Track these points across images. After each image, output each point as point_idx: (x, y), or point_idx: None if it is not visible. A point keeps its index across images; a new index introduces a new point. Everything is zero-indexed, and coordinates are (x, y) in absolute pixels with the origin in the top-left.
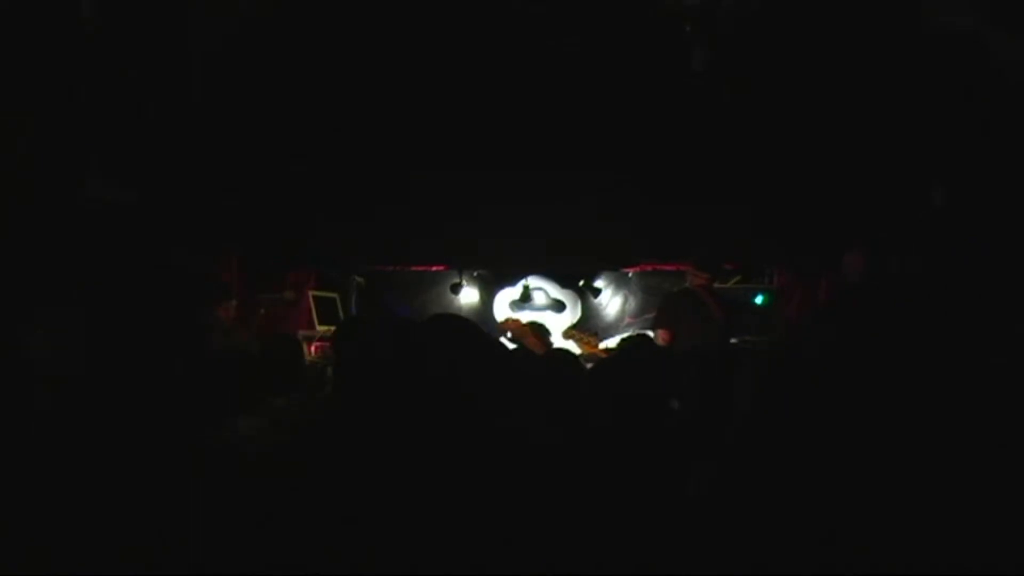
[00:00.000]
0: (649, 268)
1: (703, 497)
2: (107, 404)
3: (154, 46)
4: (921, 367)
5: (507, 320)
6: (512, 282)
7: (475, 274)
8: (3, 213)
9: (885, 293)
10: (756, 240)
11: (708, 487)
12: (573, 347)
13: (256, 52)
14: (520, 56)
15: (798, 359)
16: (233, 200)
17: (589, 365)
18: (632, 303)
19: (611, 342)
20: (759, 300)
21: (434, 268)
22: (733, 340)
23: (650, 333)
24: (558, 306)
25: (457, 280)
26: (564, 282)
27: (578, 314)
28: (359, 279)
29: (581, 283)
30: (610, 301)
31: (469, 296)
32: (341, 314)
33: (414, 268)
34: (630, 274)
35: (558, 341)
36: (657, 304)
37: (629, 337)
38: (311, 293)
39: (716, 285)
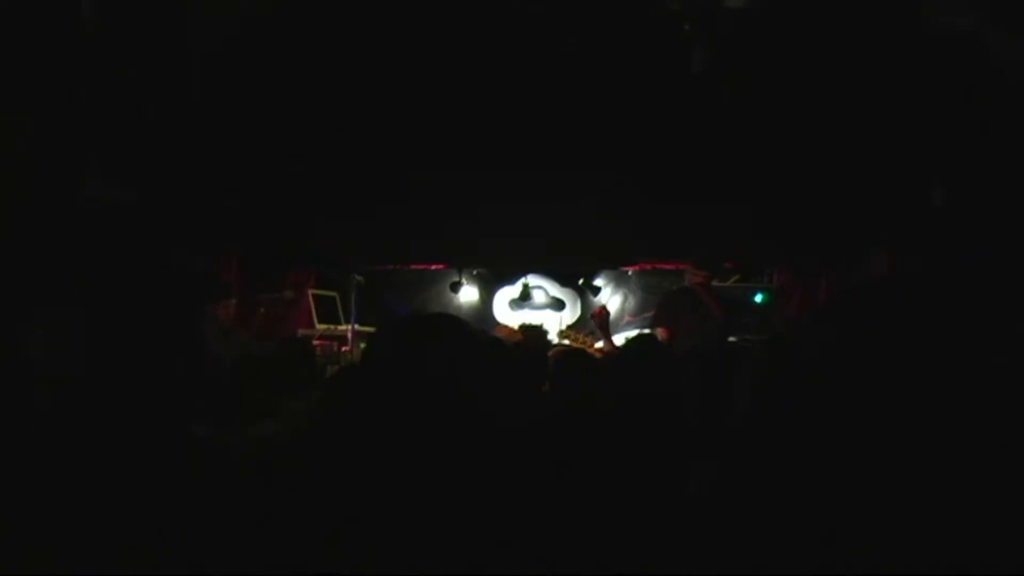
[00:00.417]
0: (649, 267)
1: (703, 497)
2: (107, 404)
3: (154, 46)
4: (921, 367)
5: (499, 327)
6: (512, 281)
7: (475, 273)
8: (3, 213)
9: (885, 293)
10: (756, 240)
11: (708, 487)
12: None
13: (256, 52)
14: (520, 56)
15: (798, 359)
16: (233, 200)
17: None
18: (632, 302)
19: (616, 339)
20: (759, 299)
21: (434, 267)
22: (732, 339)
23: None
24: (558, 305)
25: (457, 279)
26: (564, 281)
27: (578, 313)
28: (359, 278)
29: (581, 282)
30: (610, 300)
31: (469, 295)
32: (341, 313)
33: (414, 267)
34: (630, 273)
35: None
36: (656, 303)
37: (636, 337)
38: (311, 292)
39: (715, 284)
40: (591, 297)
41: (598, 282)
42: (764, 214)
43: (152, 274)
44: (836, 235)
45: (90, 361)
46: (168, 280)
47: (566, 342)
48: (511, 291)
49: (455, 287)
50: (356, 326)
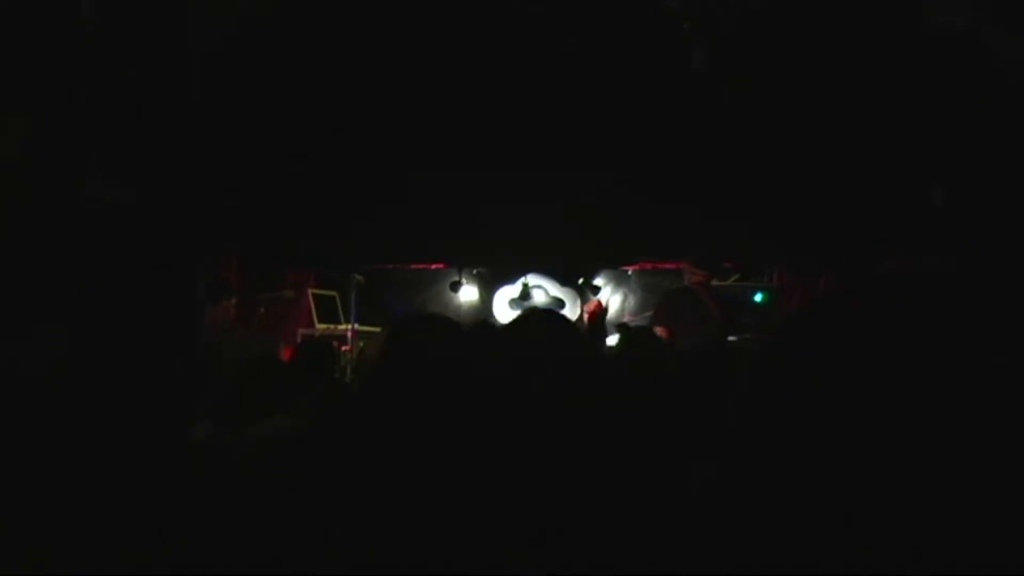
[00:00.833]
0: (649, 267)
1: (702, 497)
2: (107, 405)
3: (154, 46)
4: (921, 367)
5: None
6: (511, 280)
7: (475, 272)
8: (3, 213)
9: (885, 292)
10: (756, 240)
11: (708, 487)
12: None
13: (256, 52)
14: (520, 56)
15: (798, 359)
16: (233, 200)
17: None
18: (632, 301)
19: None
20: (758, 298)
21: (434, 266)
22: (732, 338)
23: None
24: (558, 304)
25: (457, 278)
26: (564, 280)
27: (577, 312)
28: (359, 277)
29: (580, 281)
30: (609, 299)
31: (469, 294)
32: (341, 313)
33: (414, 266)
34: (630, 272)
35: None
36: (655, 302)
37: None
38: (311, 291)
39: (715, 283)
40: (591, 296)
41: (598, 282)
42: (764, 214)
43: (152, 274)
44: (836, 235)
45: (90, 361)
46: (168, 280)
47: None
48: (511, 290)
49: (455, 287)
50: (356, 326)
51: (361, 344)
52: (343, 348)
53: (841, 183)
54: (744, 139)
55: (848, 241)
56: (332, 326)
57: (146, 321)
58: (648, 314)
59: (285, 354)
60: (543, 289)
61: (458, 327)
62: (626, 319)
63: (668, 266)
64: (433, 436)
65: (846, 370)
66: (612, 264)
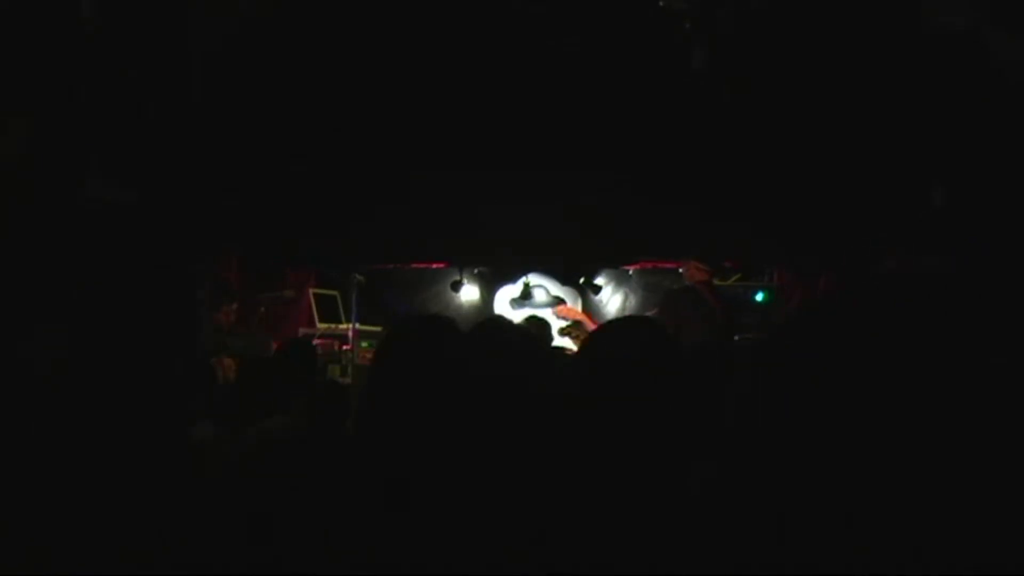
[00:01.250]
0: (649, 266)
1: (702, 497)
2: (107, 405)
3: (154, 46)
4: (921, 367)
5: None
6: (512, 279)
7: (475, 272)
8: (3, 213)
9: (885, 292)
10: (756, 240)
11: (708, 487)
12: (569, 343)
13: (256, 52)
14: (520, 56)
15: (798, 359)
16: (233, 200)
17: None
18: (632, 300)
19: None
20: (759, 298)
21: (434, 266)
22: (735, 337)
23: None
24: (558, 303)
25: (457, 278)
26: (564, 279)
27: (578, 311)
28: (359, 277)
29: (581, 280)
30: (610, 298)
31: (469, 294)
32: (341, 312)
33: (414, 266)
34: (630, 272)
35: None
36: (657, 302)
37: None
38: (311, 291)
39: (716, 282)
40: (592, 296)
41: (598, 281)
42: (764, 213)
43: (152, 274)
44: (836, 235)
45: (90, 361)
46: (168, 280)
47: (567, 340)
48: (512, 290)
49: (456, 286)
50: (357, 325)
51: (363, 344)
52: (344, 347)
53: (841, 183)
54: (744, 139)
55: (848, 241)
56: (333, 326)
57: (146, 321)
58: (649, 313)
59: None
60: (544, 288)
61: (456, 326)
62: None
63: (668, 266)
64: (433, 436)
65: (846, 370)
66: (613, 264)
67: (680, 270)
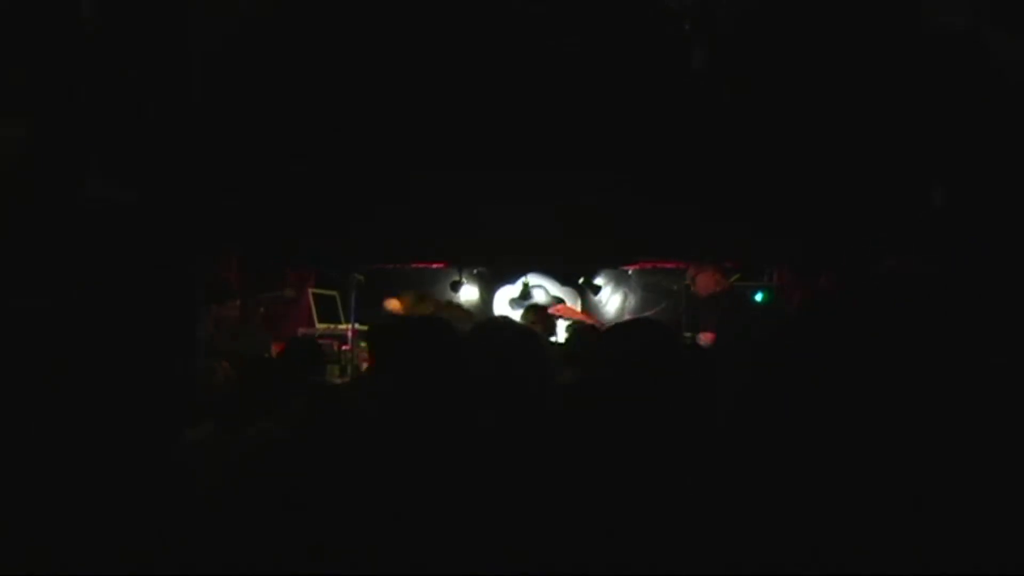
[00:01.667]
0: (649, 266)
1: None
2: (107, 405)
3: (154, 46)
4: (921, 367)
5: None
6: (512, 279)
7: (475, 272)
8: (3, 213)
9: (885, 292)
10: (756, 240)
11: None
12: (562, 324)
13: (256, 52)
14: (520, 56)
15: (798, 358)
16: (233, 200)
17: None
18: (632, 300)
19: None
20: (759, 298)
21: (434, 266)
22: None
23: None
24: (558, 303)
25: (457, 278)
26: (564, 279)
27: (578, 311)
28: (359, 277)
29: (581, 280)
30: (610, 299)
31: (469, 294)
32: (341, 312)
33: (414, 266)
34: (630, 272)
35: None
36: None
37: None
38: (311, 291)
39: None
40: (591, 296)
41: (598, 281)
42: (764, 213)
43: (152, 274)
44: (836, 235)
45: (90, 361)
46: (168, 280)
47: (560, 320)
48: (511, 290)
49: (455, 286)
50: (356, 325)
51: (363, 344)
52: (343, 347)
53: (841, 183)
54: (744, 139)
55: (848, 241)
56: (332, 326)
57: (146, 321)
58: (649, 314)
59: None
60: (543, 288)
61: (453, 328)
62: (627, 319)
63: (668, 266)
64: (433, 436)
65: (845, 370)
66: (612, 264)
67: (688, 279)
